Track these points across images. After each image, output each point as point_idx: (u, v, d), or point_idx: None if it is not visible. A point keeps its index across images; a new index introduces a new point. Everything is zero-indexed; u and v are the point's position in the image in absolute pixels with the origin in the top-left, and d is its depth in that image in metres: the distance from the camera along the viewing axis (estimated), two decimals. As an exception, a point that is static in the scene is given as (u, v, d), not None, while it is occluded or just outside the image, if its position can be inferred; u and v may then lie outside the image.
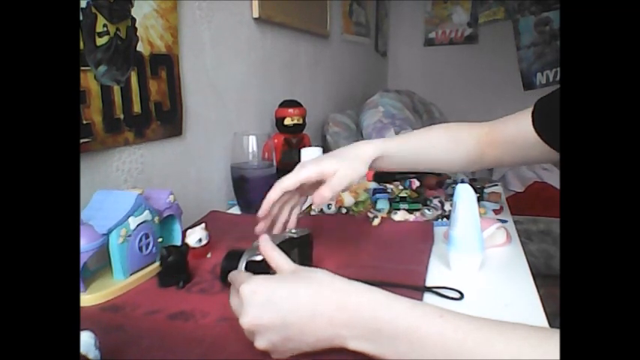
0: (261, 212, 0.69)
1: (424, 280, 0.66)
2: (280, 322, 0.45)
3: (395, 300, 0.45)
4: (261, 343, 0.46)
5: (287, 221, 0.74)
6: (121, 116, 0.81)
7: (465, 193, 0.67)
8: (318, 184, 0.67)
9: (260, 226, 0.71)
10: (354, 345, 0.45)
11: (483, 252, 0.68)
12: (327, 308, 0.45)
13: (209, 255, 0.76)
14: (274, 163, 1.03)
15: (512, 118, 0.79)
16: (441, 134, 0.81)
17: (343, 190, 0.80)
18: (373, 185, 1.10)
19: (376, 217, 0.91)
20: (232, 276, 0.52)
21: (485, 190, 1.09)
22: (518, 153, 0.78)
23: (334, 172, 0.66)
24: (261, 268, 0.53)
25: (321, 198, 0.65)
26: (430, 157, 0.80)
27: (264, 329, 0.45)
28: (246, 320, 0.46)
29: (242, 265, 0.56)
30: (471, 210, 0.66)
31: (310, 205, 1.00)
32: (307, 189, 0.71)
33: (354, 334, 0.44)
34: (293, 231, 0.65)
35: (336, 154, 0.71)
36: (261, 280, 0.48)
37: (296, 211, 0.74)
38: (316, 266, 0.52)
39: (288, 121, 1.28)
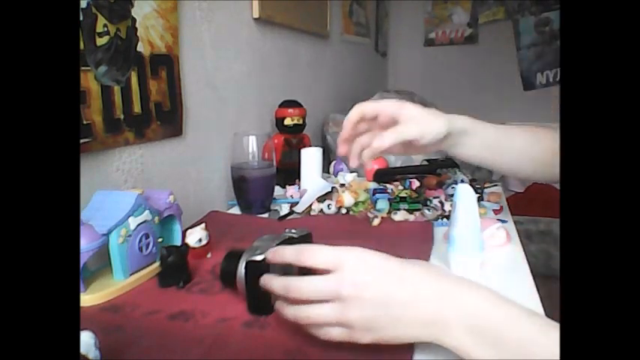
0: (343, 135, 0.66)
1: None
2: (384, 295, 0.42)
3: (507, 302, 0.43)
4: (352, 314, 0.43)
5: (360, 154, 0.68)
6: (121, 116, 0.81)
7: (465, 194, 0.67)
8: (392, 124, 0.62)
9: (342, 149, 0.68)
10: (455, 336, 0.41)
11: (483, 252, 0.68)
12: (434, 290, 0.42)
13: (209, 255, 0.76)
14: (274, 163, 1.03)
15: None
16: (523, 128, 0.74)
17: (410, 152, 0.70)
18: (373, 185, 1.10)
19: (376, 217, 0.91)
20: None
21: (486, 191, 1.09)
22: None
23: (412, 117, 0.61)
24: (261, 267, 0.53)
25: (380, 141, 0.59)
26: (510, 149, 0.72)
27: (362, 300, 0.42)
28: (347, 283, 0.42)
29: (242, 265, 0.56)
30: (471, 210, 0.66)
31: (310, 205, 1.00)
32: (381, 128, 0.65)
33: (461, 324, 0.41)
34: (293, 231, 0.64)
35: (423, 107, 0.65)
36: (366, 251, 0.46)
37: (367, 154, 0.67)
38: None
39: (288, 122, 1.28)
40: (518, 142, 0.72)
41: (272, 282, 0.49)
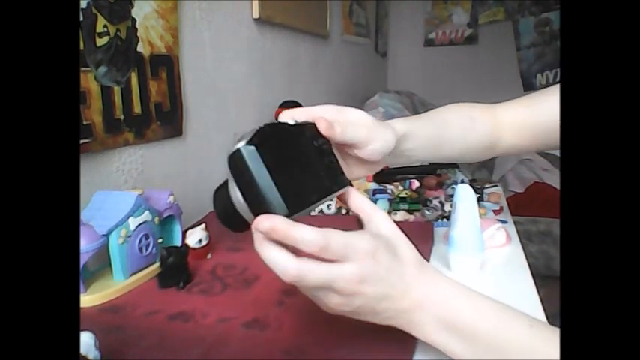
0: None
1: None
2: (384, 272, 0.41)
3: (481, 300, 0.44)
4: (334, 300, 0.41)
5: None
6: (121, 117, 0.81)
7: (464, 194, 0.67)
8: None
9: None
10: (431, 330, 0.43)
11: (483, 253, 0.68)
12: (408, 285, 0.43)
13: (209, 256, 0.76)
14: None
15: (530, 99, 0.72)
16: (457, 112, 0.71)
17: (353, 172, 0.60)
18: (373, 186, 1.10)
19: (376, 217, 0.91)
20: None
21: (485, 191, 1.09)
22: (542, 138, 0.71)
23: (355, 120, 0.53)
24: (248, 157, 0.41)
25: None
26: (449, 138, 0.68)
27: (357, 294, 0.41)
28: (356, 265, 0.40)
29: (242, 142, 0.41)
30: (471, 211, 0.66)
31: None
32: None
33: (434, 319, 0.43)
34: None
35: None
36: (365, 233, 0.44)
37: None
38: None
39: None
40: (456, 132, 0.69)
41: (274, 221, 0.39)
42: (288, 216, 0.39)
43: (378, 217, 0.46)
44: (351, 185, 0.47)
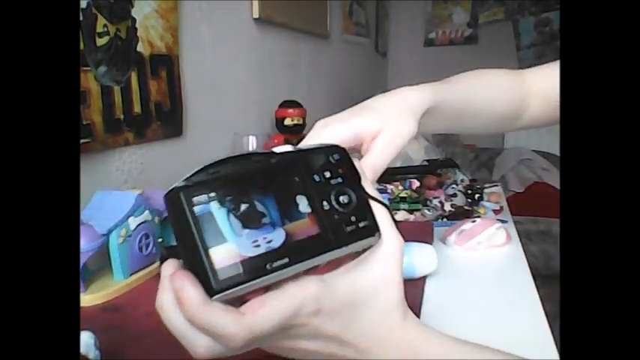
0: None
1: (424, 280, 0.66)
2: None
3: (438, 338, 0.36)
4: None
5: None
6: (121, 116, 0.81)
7: None
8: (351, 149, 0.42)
9: None
10: (321, 322, 0.31)
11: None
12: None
13: (209, 255, 0.76)
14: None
15: (554, 67, 0.65)
16: (484, 80, 0.62)
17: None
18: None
19: (376, 217, 0.91)
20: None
21: (486, 191, 1.09)
22: None
23: (376, 133, 0.43)
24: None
25: (370, 178, 0.40)
26: (473, 111, 0.59)
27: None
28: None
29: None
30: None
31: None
32: None
33: (324, 312, 0.31)
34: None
35: (372, 105, 0.47)
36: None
37: None
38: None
39: (288, 122, 1.28)
40: (481, 104, 0.60)
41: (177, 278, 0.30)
42: (216, 293, 0.28)
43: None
44: (377, 235, 0.34)
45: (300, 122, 1.29)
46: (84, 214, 0.64)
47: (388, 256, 0.34)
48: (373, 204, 0.35)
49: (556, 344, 0.50)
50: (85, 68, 0.73)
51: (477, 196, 1.05)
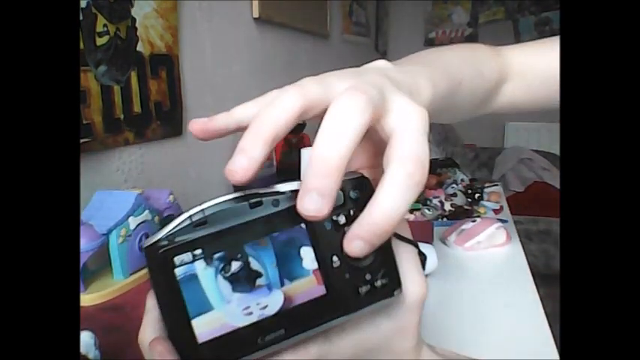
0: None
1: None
2: None
3: None
4: None
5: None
6: (121, 116, 0.81)
7: None
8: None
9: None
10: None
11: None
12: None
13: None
14: (274, 163, 1.03)
15: (542, 44, 0.60)
16: (468, 62, 0.53)
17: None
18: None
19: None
20: None
21: (486, 190, 1.09)
22: (553, 90, 0.57)
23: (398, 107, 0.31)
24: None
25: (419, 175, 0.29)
26: (460, 100, 0.49)
27: None
28: None
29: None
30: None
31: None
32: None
33: None
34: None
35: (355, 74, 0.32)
36: None
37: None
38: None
39: (288, 121, 1.28)
40: (467, 91, 0.50)
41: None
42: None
43: None
44: (396, 293, 0.27)
45: (300, 122, 1.29)
46: (84, 214, 0.64)
47: (407, 309, 0.29)
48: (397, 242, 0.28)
49: (556, 344, 0.50)
50: (85, 68, 0.73)
51: (477, 195, 1.05)
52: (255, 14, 1.26)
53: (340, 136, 0.24)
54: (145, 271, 0.67)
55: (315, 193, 0.23)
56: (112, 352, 0.48)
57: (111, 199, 0.65)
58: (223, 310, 0.24)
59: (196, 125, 0.32)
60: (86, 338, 0.41)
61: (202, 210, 0.25)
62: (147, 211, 0.67)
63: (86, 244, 0.59)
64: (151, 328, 0.28)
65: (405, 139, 0.25)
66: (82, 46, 0.72)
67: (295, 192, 0.25)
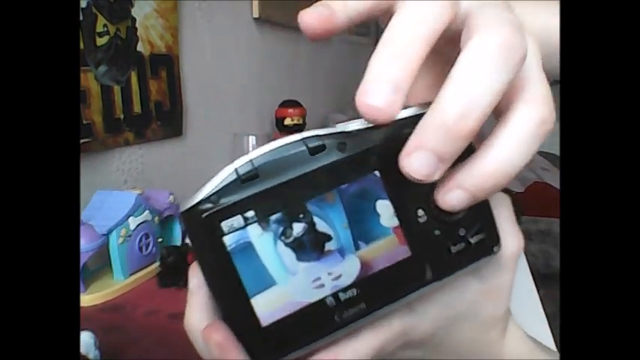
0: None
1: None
2: None
3: None
4: None
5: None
6: (121, 116, 0.81)
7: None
8: None
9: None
10: (409, 351, 0.26)
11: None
12: None
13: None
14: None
15: (529, 5, 0.52)
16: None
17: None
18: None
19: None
20: None
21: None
22: (544, 49, 0.49)
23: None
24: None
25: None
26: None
27: None
28: None
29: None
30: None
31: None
32: None
33: (414, 343, 0.26)
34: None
35: None
36: None
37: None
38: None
39: (288, 121, 1.28)
40: None
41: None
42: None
43: None
44: (496, 249, 0.23)
45: (300, 122, 1.29)
46: (84, 214, 0.64)
47: (501, 266, 0.25)
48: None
49: (556, 344, 0.50)
50: (85, 68, 0.73)
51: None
52: (255, 14, 1.27)
53: (483, 96, 0.18)
54: (144, 271, 0.67)
55: (432, 154, 0.18)
56: (112, 352, 0.48)
57: (111, 200, 0.65)
58: (288, 284, 0.20)
59: (312, 18, 0.21)
60: (86, 338, 0.41)
61: (251, 161, 0.19)
62: (147, 212, 0.67)
63: (86, 244, 0.59)
64: (199, 311, 0.23)
65: (530, 78, 0.21)
66: (82, 46, 0.72)
67: (364, 130, 0.20)
